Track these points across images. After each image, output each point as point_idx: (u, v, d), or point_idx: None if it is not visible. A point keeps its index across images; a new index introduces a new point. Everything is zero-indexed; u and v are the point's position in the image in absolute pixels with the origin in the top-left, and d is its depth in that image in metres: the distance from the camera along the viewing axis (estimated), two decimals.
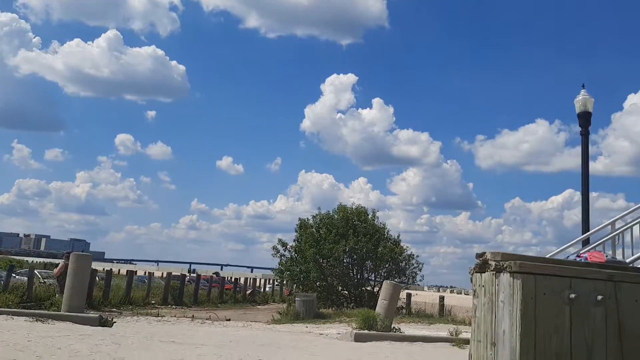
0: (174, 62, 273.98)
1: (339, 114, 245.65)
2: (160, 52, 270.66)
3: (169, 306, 25.98)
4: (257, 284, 42.07)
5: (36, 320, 7.30)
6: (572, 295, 2.69)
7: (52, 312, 7.67)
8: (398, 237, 18.91)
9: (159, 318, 16.49)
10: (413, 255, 18.63)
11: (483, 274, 3.11)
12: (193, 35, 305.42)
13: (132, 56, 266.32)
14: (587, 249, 6.10)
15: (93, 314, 7.90)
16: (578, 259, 3.24)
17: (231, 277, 52.44)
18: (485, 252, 3.09)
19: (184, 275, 32.35)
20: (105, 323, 7.76)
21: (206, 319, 17.45)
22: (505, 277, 2.82)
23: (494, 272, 2.95)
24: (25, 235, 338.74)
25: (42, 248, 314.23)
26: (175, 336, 6.56)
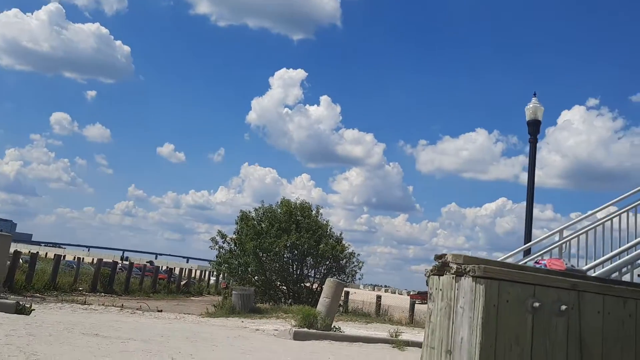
0: (118, 42, 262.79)
1: (286, 109, 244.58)
2: (104, 30, 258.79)
3: (98, 294, 24.78)
4: (193, 275, 41.02)
5: None
6: (536, 304, 2.53)
7: None
8: (340, 235, 18.85)
9: (86, 306, 15.59)
10: (354, 253, 18.64)
11: (441, 277, 2.90)
12: (140, 16, 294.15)
13: (74, 32, 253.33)
14: (533, 256, 6.13)
15: (9, 300, 7.19)
16: (537, 265, 3.10)
17: (166, 267, 51.01)
18: (445, 254, 2.89)
19: (116, 263, 31.01)
20: (22, 310, 7.07)
21: (136, 309, 16.67)
22: (466, 281, 2.62)
23: (454, 275, 2.75)
24: None
25: None
26: (99, 328, 6.03)
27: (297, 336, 7.55)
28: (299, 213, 18.12)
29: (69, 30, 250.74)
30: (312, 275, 18.36)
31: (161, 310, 16.84)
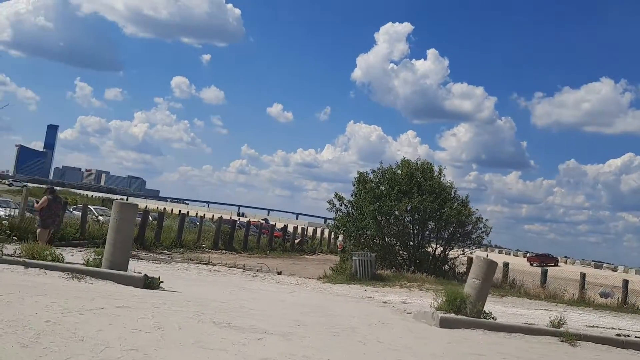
0: (229, 6, 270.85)
1: (392, 65, 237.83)
2: None
3: (219, 251, 25.64)
4: (305, 233, 41.51)
5: (72, 278, 6.34)
6: None
7: (92, 269, 6.70)
8: (466, 198, 17.23)
9: (209, 267, 15.81)
10: (481, 218, 17.01)
11: None
12: None
13: None
14: None
15: (137, 274, 6.89)
16: None
17: (283, 225, 52.40)
18: None
19: (235, 221, 31.94)
20: (150, 284, 6.75)
21: (257, 270, 16.68)
22: None
23: None
24: (86, 170, 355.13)
25: (102, 183, 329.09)
26: (230, 313, 5.42)
27: (445, 323, 6.50)
28: (419, 174, 16.80)
29: None
30: (435, 240, 17.11)
31: (280, 272, 16.68)
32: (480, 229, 17.06)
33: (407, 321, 6.88)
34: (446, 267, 17.27)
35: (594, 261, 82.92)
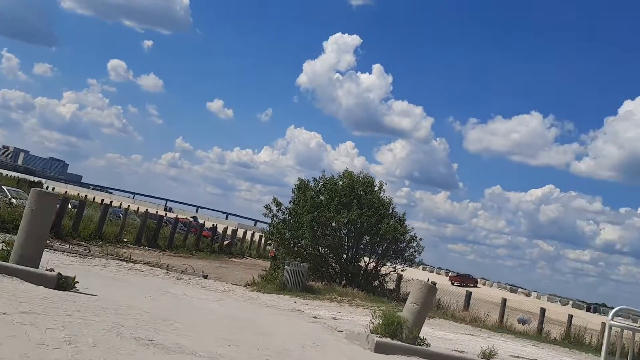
0: None
1: (337, 75, 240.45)
2: None
3: (142, 247, 24.31)
4: (235, 234, 40.56)
5: None
6: None
7: None
8: (403, 215, 17.29)
9: (130, 265, 14.82)
10: (415, 237, 17.11)
11: None
12: None
13: None
14: None
15: (50, 272, 6.10)
16: None
17: (212, 225, 50.98)
18: None
19: (161, 216, 30.57)
20: (64, 285, 6.00)
21: (182, 273, 15.85)
22: None
23: None
24: (4, 147, 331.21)
25: (20, 162, 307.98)
26: (153, 325, 4.83)
27: (380, 348, 6.22)
28: (360, 187, 16.69)
29: None
30: (368, 255, 17.02)
31: (207, 276, 15.96)
32: (414, 247, 17.17)
33: (340, 342, 6.55)
34: (376, 282, 17.23)
35: (510, 285, 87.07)
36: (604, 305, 71.60)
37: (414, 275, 24.72)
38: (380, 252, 17.12)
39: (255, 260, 34.72)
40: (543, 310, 20.48)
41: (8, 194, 24.95)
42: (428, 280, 19.39)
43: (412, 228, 17.21)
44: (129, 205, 66.16)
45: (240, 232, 48.88)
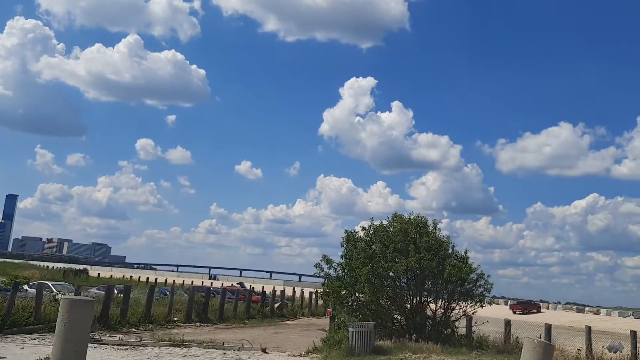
0: (194, 67, 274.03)
1: (358, 118, 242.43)
2: (180, 56, 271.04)
3: (193, 324, 23.47)
4: (284, 294, 39.35)
5: None
6: None
7: None
8: (465, 253, 15.91)
9: (185, 351, 13.85)
10: (483, 274, 15.65)
11: None
12: (213, 39, 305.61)
13: (153, 61, 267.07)
14: None
15: None
16: None
17: (254, 287, 49.91)
18: None
19: (208, 288, 29.82)
20: None
21: (239, 350, 14.78)
22: None
23: None
24: (48, 240, 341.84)
25: (65, 252, 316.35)
26: None
27: None
28: (414, 230, 15.51)
29: (147, 60, 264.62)
30: (434, 301, 15.62)
31: (265, 349, 14.83)
32: (482, 285, 15.69)
33: None
34: (448, 330, 15.73)
35: (575, 304, 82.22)
36: None
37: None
38: (446, 296, 15.70)
39: (309, 319, 33.35)
40: (634, 333, 18.42)
41: (53, 289, 24.61)
42: (506, 321, 17.84)
43: (479, 265, 15.79)
44: (174, 280, 65.86)
45: (288, 291, 47.71)
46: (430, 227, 15.98)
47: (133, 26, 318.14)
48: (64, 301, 5.49)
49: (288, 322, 30.54)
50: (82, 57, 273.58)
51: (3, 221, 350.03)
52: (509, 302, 72.76)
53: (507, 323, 18.19)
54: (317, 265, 15.74)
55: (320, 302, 36.93)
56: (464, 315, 16.19)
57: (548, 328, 19.27)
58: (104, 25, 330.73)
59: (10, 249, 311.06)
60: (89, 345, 13.08)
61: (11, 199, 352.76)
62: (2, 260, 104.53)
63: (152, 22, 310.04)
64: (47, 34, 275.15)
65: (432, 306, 16.08)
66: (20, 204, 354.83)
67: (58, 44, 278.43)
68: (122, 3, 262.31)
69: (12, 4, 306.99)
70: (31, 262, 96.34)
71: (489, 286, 15.95)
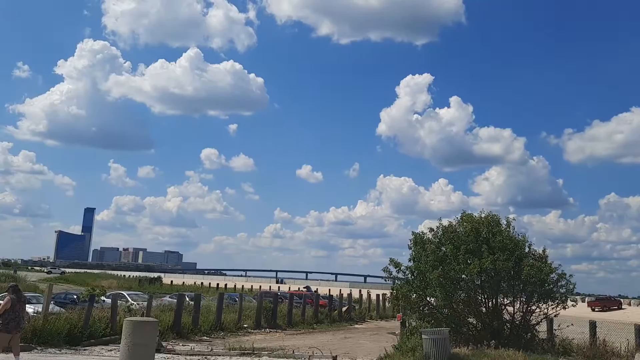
0: (252, 75, 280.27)
1: (416, 116, 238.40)
2: (238, 66, 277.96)
3: (263, 330, 23.58)
4: (351, 297, 38.94)
5: None
6: None
7: None
8: (544, 252, 14.85)
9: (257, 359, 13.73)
10: (564, 274, 14.54)
11: None
12: (269, 47, 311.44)
13: (213, 73, 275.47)
14: None
15: None
16: None
17: (321, 289, 49.84)
18: None
19: (276, 294, 29.90)
20: None
21: (309, 357, 14.54)
22: None
23: None
24: (124, 249, 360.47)
25: (140, 260, 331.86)
26: None
27: None
28: (486, 229, 14.67)
29: (208, 72, 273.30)
30: (511, 304, 14.69)
31: (336, 357, 14.49)
32: (563, 286, 14.58)
33: None
34: (528, 335, 14.73)
35: None
36: None
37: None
38: (524, 299, 14.72)
39: (378, 323, 32.77)
40: None
41: (129, 298, 25.40)
42: (591, 323, 16.55)
43: (560, 264, 14.69)
44: (242, 285, 67.19)
45: (354, 293, 47.26)
46: (504, 226, 15.05)
47: (193, 40, 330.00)
48: (126, 324, 5.38)
49: (357, 325, 30.11)
50: (147, 73, 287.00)
51: (83, 233, 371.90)
52: (587, 299, 68.57)
53: (593, 324, 16.87)
54: (385, 269, 15.22)
55: (387, 304, 36.30)
56: (545, 317, 15.13)
57: (638, 329, 17.74)
58: (166, 41, 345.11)
59: (90, 259, 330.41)
60: (161, 356, 13.31)
61: (89, 212, 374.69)
62: (83, 271, 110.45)
63: (211, 35, 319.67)
64: (114, 54, 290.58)
65: (509, 309, 15.14)
66: (98, 217, 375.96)
67: (124, 63, 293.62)
68: (182, 18, 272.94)
69: (81, 27, 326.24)
70: (109, 272, 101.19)
71: (571, 286, 14.82)
